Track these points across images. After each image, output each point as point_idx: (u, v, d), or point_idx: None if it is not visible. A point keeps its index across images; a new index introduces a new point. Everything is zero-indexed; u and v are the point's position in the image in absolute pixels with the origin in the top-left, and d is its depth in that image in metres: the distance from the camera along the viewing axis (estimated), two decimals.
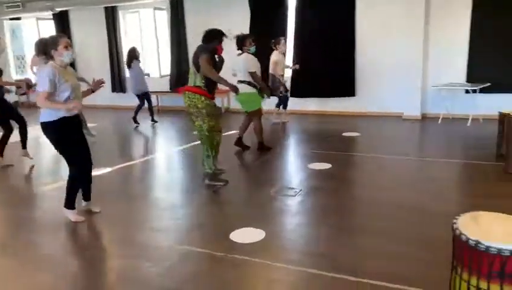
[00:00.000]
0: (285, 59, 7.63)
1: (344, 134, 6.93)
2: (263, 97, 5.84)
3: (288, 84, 8.58)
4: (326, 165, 5.23)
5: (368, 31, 8.06)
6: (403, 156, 5.58)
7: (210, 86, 4.49)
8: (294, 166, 5.64)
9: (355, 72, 8.31)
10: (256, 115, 5.93)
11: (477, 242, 1.88)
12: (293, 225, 3.73)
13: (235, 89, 4.89)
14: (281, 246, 3.30)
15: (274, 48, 7.37)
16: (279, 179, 5.00)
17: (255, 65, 5.69)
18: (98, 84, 3.90)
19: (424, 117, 7.85)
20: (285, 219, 3.86)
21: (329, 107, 8.67)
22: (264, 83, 6.03)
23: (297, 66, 7.92)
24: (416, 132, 7.22)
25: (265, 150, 5.98)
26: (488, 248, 1.85)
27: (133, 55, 8.16)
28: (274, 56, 7.35)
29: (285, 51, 7.62)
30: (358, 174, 5.27)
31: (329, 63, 8.33)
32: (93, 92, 3.93)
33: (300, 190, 4.44)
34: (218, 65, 4.58)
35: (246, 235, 3.43)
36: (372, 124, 7.72)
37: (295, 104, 8.78)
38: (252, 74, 5.64)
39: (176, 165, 6.03)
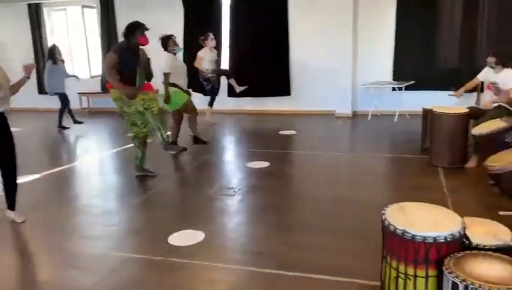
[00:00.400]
0: (215, 55, 7.63)
1: (281, 132, 7.05)
2: (167, 103, 5.78)
3: (224, 83, 8.59)
4: (265, 164, 5.29)
5: (301, 31, 8.26)
6: (337, 152, 5.78)
7: (127, 81, 4.46)
8: (232, 166, 5.64)
9: (290, 71, 8.49)
10: (177, 115, 6.04)
11: (404, 231, 2.00)
12: (233, 224, 3.74)
13: (127, 93, 4.52)
14: (221, 246, 3.29)
15: (203, 44, 7.37)
16: (218, 179, 4.98)
17: (171, 66, 5.70)
18: (29, 69, 3.76)
19: (355, 114, 8.20)
20: (225, 219, 3.85)
21: (266, 106, 8.78)
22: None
23: (242, 88, 7.73)
24: (348, 128, 7.52)
25: (181, 150, 5.95)
26: (414, 236, 1.97)
27: (52, 53, 7.74)
28: (200, 52, 7.35)
29: (215, 46, 7.62)
30: (296, 171, 5.39)
31: (264, 63, 8.44)
32: (28, 78, 3.78)
33: (240, 189, 4.45)
34: (142, 62, 4.54)
35: (184, 237, 3.38)
36: (308, 122, 7.93)
37: (232, 103, 8.80)
38: (165, 75, 5.67)
39: (109, 168, 5.80)
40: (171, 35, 5.84)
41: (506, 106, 4.51)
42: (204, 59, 7.33)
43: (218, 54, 8.12)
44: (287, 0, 8.24)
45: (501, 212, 2.24)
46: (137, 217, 4.00)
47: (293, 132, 7.08)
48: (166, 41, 5.74)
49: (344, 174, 5.01)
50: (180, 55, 6.26)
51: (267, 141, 6.58)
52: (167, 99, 5.73)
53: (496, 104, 4.72)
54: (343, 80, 8.04)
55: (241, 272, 2.89)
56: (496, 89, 4.60)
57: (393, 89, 7.73)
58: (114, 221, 3.87)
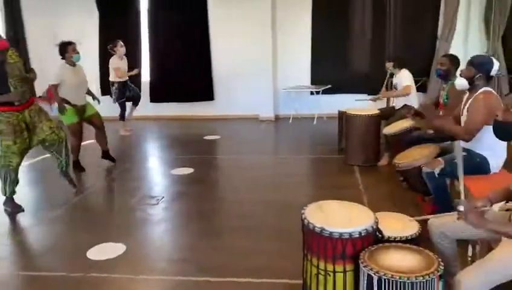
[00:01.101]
0: (126, 63, 7.12)
1: (205, 137, 7.02)
2: (62, 113, 5.06)
3: (146, 89, 8.38)
4: (189, 170, 5.22)
5: (222, 35, 8.29)
6: (260, 155, 5.88)
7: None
8: (156, 173, 5.50)
9: (213, 76, 8.49)
10: (72, 129, 5.16)
11: (322, 229, 2.08)
12: (157, 233, 3.64)
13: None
14: (143, 257, 3.18)
15: (112, 52, 6.92)
16: (140, 188, 4.79)
17: (60, 76, 4.99)
18: None
19: (277, 118, 8.40)
20: (148, 229, 3.74)
21: (189, 111, 8.67)
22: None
23: (135, 71, 7.30)
24: (271, 132, 7.69)
25: (79, 169, 5.31)
26: (331, 233, 2.05)
27: None
28: (113, 61, 6.88)
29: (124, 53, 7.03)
30: (221, 176, 5.39)
31: (186, 68, 8.35)
32: None
33: (163, 197, 4.35)
34: (12, 68, 3.87)
35: (105, 251, 3.22)
36: (232, 127, 7.98)
37: (155, 109, 8.58)
38: (51, 86, 5.01)
39: (22, 182, 5.34)
40: (71, 42, 5.03)
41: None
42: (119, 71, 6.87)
43: (138, 59, 7.86)
44: (207, 5, 8.23)
45: (412, 218, 2.39)
46: (52, 232, 3.74)
47: (217, 137, 7.07)
48: (64, 49, 4.96)
49: (267, 176, 5.11)
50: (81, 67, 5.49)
51: (191, 147, 6.51)
52: (61, 110, 5.03)
53: (402, 104, 5.15)
54: (265, 84, 8.20)
55: (166, 282, 2.82)
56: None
57: (312, 93, 8.04)
58: (25, 238, 3.58)
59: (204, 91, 8.49)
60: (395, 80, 5.43)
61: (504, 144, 3.11)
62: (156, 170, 5.63)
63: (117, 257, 3.13)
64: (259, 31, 7.98)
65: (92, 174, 5.32)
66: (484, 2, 7.54)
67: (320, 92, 7.86)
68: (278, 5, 8.06)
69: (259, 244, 3.28)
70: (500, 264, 1.89)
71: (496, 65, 3.13)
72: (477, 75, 3.11)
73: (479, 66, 3.12)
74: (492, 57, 3.23)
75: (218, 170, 5.64)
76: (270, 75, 8.18)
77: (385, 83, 5.92)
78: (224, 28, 8.22)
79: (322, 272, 2.12)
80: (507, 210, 2.26)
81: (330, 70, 8.01)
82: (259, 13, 7.95)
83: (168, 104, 8.64)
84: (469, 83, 3.18)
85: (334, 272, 2.09)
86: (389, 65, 5.47)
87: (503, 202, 2.40)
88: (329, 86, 7.90)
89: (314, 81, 8.17)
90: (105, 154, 5.56)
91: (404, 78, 5.25)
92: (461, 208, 1.95)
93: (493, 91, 3.17)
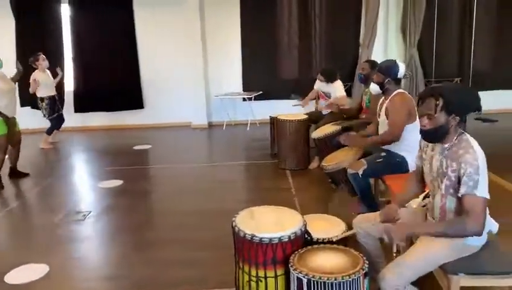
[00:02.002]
0: (49, 76, 6.77)
1: (135, 147, 6.80)
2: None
3: (71, 98, 7.97)
4: (118, 182, 5.03)
5: (149, 43, 8.11)
6: (194, 164, 5.81)
7: None
8: (82, 187, 5.21)
9: (142, 84, 8.26)
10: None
11: (253, 235, 2.08)
12: (83, 251, 3.45)
13: None
14: (69, 277, 3.00)
15: (34, 66, 6.52)
16: (65, 204, 4.51)
17: None
18: None
19: (210, 125, 8.36)
20: (74, 246, 3.53)
21: (118, 121, 8.36)
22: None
23: (59, 75, 7.00)
24: (204, 139, 7.63)
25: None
26: (261, 239, 2.07)
27: None
28: (35, 76, 6.47)
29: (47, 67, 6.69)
30: (152, 186, 5.23)
31: (114, 76, 8.05)
32: None
33: (90, 212, 4.14)
34: None
35: (25, 273, 2.99)
36: (163, 135, 7.81)
37: (80, 120, 8.20)
38: None
39: None
40: None
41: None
42: (41, 84, 6.50)
43: (61, 67, 7.41)
44: (133, 11, 8.01)
45: (335, 239, 2.40)
46: None
47: (148, 146, 6.88)
48: None
49: (201, 184, 5.05)
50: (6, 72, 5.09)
51: (120, 158, 6.26)
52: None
53: (329, 110, 5.35)
54: (196, 91, 8.13)
55: None
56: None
57: (244, 99, 8.11)
58: None
59: (133, 99, 8.24)
60: (327, 88, 5.49)
61: (418, 142, 3.33)
62: (82, 184, 5.34)
63: (39, 279, 2.92)
64: (188, 37, 7.93)
65: (9, 192, 4.93)
66: (401, 12, 8.08)
67: (252, 99, 7.95)
68: (207, 13, 8.05)
69: (193, 255, 3.23)
70: (419, 258, 2.01)
71: (402, 68, 3.34)
72: (386, 80, 3.32)
73: (386, 70, 3.33)
74: (397, 61, 3.39)
75: (149, 180, 5.48)
76: (201, 82, 8.13)
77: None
78: (152, 34, 8.06)
79: (254, 279, 2.12)
80: (423, 206, 2.42)
81: (261, 77, 8.16)
82: (188, 20, 7.89)
83: (95, 114, 8.28)
84: (381, 88, 3.38)
85: (266, 277, 2.10)
86: (321, 78, 5.50)
87: (420, 199, 2.56)
88: (261, 92, 8.03)
89: (246, 87, 8.26)
90: (14, 172, 5.24)
91: (337, 88, 5.40)
92: (386, 238, 2.02)
93: (406, 92, 3.38)
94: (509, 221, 3.41)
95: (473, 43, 7.95)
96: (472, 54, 7.93)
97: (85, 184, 5.31)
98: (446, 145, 2.05)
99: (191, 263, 3.10)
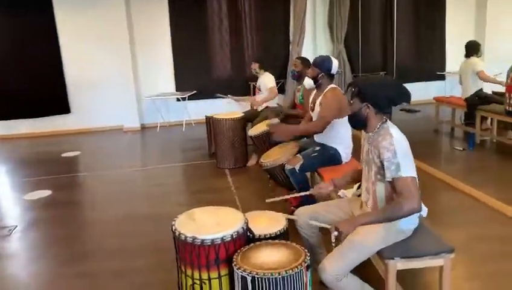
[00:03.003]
0: None
1: (63, 155, 6.40)
2: None
3: None
4: (46, 192, 4.72)
5: (73, 45, 7.68)
6: (127, 169, 5.59)
7: None
8: (5, 201, 4.81)
9: (67, 87, 7.80)
10: None
11: (194, 238, 2.03)
12: (10, 268, 3.18)
13: None
14: None
15: None
16: None
17: None
18: None
19: (143, 127, 8.10)
20: None
21: (43, 127, 7.84)
22: None
23: None
24: (137, 142, 7.38)
25: None
26: (203, 241, 2.02)
27: None
28: None
29: None
30: (83, 195, 4.95)
31: (35, 80, 7.52)
32: None
33: (16, 227, 3.83)
34: None
35: None
36: (94, 140, 7.44)
37: (4, 128, 7.66)
38: None
39: None
40: None
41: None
42: None
43: None
44: (54, 14, 7.52)
45: (267, 200, 2.54)
46: None
47: (77, 153, 6.51)
48: None
49: (136, 190, 4.87)
50: None
51: (47, 167, 5.86)
52: None
53: (265, 105, 5.40)
54: (127, 93, 7.84)
55: None
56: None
57: (178, 99, 7.95)
58: None
59: (58, 104, 7.78)
60: (259, 82, 5.63)
61: (350, 135, 3.48)
62: (5, 197, 4.93)
63: None
64: (115, 37, 7.62)
65: None
66: (327, 10, 8.35)
67: (186, 98, 7.82)
68: (133, 12, 7.79)
69: (131, 263, 3.09)
70: (357, 246, 2.08)
71: (335, 63, 3.47)
72: (320, 74, 3.42)
73: (320, 65, 3.43)
74: (331, 56, 3.54)
75: (80, 188, 5.17)
76: (131, 83, 7.86)
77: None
78: (75, 36, 7.67)
79: (198, 282, 2.07)
80: (359, 196, 2.51)
81: (194, 76, 8.06)
82: (113, 20, 7.58)
83: (19, 121, 7.72)
84: (315, 82, 3.48)
85: (209, 279, 2.06)
86: (254, 66, 5.61)
87: (354, 189, 2.66)
88: (195, 91, 7.92)
89: (179, 87, 8.11)
90: None
91: (268, 80, 5.50)
92: (335, 233, 2.06)
93: (338, 87, 3.50)
94: (436, 204, 3.66)
95: (395, 39, 8.44)
96: (395, 49, 8.42)
97: (9, 197, 4.91)
98: (370, 134, 2.16)
99: (128, 272, 2.97)
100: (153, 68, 8.03)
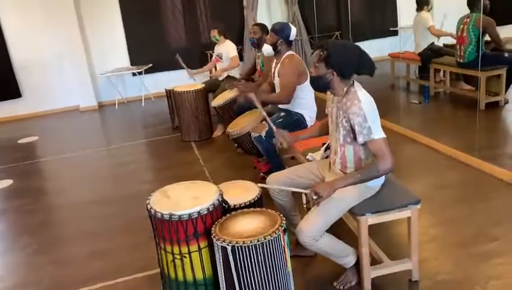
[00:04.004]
0: None
1: (20, 141, 6.14)
2: None
3: None
4: (7, 182, 4.55)
5: (17, 25, 7.20)
6: (89, 150, 5.43)
7: None
8: None
9: (15, 70, 7.37)
10: None
11: (171, 214, 2.03)
12: None
13: None
14: None
15: None
16: None
17: None
18: None
19: (101, 106, 7.84)
20: None
21: None
22: None
23: None
24: (96, 122, 7.15)
25: None
26: (180, 216, 2.03)
27: None
28: None
29: None
30: (46, 181, 4.81)
31: None
32: None
33: None
34: None
35: None
36: (50, 124, 7.14)
37: None
38: None
39: None
40: None
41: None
42: None
43: None
44: None
45: (259, 185, 2.49)
46: None
47: (34, 138, 6.25)
48: None
49: (102, 171, 4.78)
50: None
51: (4, 155, 5.62)
52: None
53: (225, 74, 5.34)
54: (79, 71, 7.51)
55: None
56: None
57: (134, 74, 7.71)
58: None
59: (6, 88, 7.35)
60: (218, 50, 5.50)
61: (313, 98, 3.52)
62: None
63: None
64: (62, 15, 7.20)
65: None
66: None
67: (143, 72, 7.60)
68: None
69: (104, 245, 3.07)
70: (330, 206, 2.14)
71: (294, 30, 3.48)
72: (279, 41, 3.42)
73: (279, 31, 3.42)
74: (289, 23, 3.55)
75: (42, 175, 5.01)
76: (83, 61, 7.52)
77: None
78: (18, 16, 7.19)
79: (178, 257, 2.09)
80: (326, 157, 2.58)
81: (148, 50, 7.81)
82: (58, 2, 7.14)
83: None
84: (274, 49, 3.47)
85: (189, 253, 2.08)
86: (214, 33, 5.45)
87: (322, 151, 2.72)
88: (151, 64, 7.70)
89: (134, 62, 7.84)
90: None
91: (230, 49, 5.40)
92: (314, 195, 2.08)
93: (295, 54, 3.51)
94: (398, 158, 3.81)
95: None
96: (349, 7, 8.44)
97: None
98: (338, 97, 2.19)
99: (103, 255, 2.95)
100: (105, 43, 7.69)
